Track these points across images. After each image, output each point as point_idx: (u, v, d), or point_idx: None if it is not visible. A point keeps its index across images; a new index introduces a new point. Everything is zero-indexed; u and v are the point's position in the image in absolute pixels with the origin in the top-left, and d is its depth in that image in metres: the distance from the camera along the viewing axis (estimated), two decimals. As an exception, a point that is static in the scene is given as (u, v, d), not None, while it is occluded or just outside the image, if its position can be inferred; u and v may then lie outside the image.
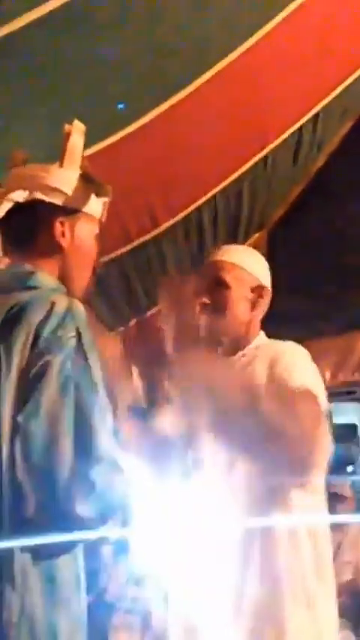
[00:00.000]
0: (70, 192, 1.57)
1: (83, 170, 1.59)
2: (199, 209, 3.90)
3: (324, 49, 3.37)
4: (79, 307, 1.44)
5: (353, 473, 8.92)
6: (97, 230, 1.63)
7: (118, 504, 1.39)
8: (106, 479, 1.34)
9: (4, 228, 1.57)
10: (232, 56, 3.24)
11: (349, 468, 8.34)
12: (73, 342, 1.38)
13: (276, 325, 5.37)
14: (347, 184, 4.21)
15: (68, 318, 1.39)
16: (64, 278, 1.56)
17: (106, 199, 1.64)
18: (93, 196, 1.59)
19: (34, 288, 1.48)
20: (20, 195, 1.56)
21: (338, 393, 9.73)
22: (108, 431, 1.37)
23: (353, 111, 3.94)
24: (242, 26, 3.20)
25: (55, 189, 1.56)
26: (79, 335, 1.39)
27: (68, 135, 1.60)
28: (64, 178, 1.58)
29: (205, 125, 3.43)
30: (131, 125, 3.17)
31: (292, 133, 3.76)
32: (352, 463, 9.91)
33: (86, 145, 1.66)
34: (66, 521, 1.32)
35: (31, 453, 1.32)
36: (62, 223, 1.56)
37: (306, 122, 3.74)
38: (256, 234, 4.50)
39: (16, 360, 1.37)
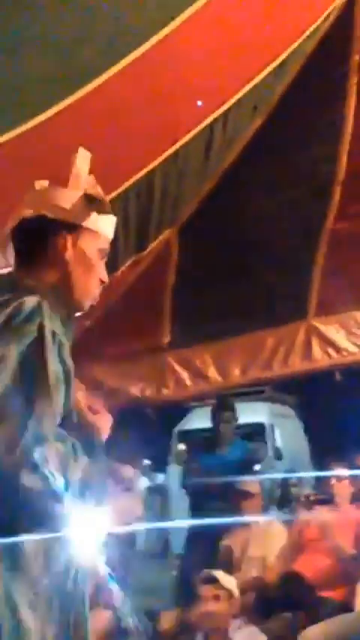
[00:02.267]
0: (69, 207, 1.80)
1: (87, 191, 1.81)
2: (109, 203, 3.84)
3: (236, 44, 3.37)
4: (45, 307, 1.65)
5: (261, 471, 9.05)
6: (104, 246, 1.86)
7: (81, 485, 1.57)
8: (58, 460, 1.54)
9: (17, 242, 1.83)
10: (143, 48, 3.19)
11: (257, 467, 8.45)
12: (33, 335, 1.59)
13: (186, 323, 5.37)
14: (258, 180, 4.24)
15: (35, 315, 1.61)
16: (64, 287, 1.79)
17: (112, 217, 1.88)
18: (94, 214, 1.81)
19: (17, 290, 1.70)
20: (27, 212, 1.81)
21: (247, 392, 9.85)
22: (55, 417, 1.58)
23: (263, 107, 3.95)
24: (154, 17, 3.16)
25: (57, 206, 1.80)
26: (40, 329, 1.60)
27: (74, 161, 1.85)
28: (67, 197, 1.82)
29: (116, 118, 3.38)
30: (40, 115, 3.08)
31: (204, 128, 3.74)
32: (259, 462, 10.04)
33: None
34: (13, 490, 1.50)
35: None
36: (65, 237, 1.80)
37: (217, 117, 3.72)
38: (167, 231, 4.48)
39: None
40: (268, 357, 4.89)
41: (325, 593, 4.09)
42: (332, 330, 4.84)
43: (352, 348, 4.83)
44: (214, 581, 3.71)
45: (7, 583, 1.55)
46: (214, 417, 5.63)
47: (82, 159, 1.87)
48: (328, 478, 4.52)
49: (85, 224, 1.82)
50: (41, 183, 1.91)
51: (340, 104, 4.08)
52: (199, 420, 9.97)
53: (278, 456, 11.95)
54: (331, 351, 4.85)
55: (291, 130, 4.17)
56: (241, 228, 4.47)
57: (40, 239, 1.81)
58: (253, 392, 10.86)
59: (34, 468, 1.52)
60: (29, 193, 1.87)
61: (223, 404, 5.66)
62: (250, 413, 10.20)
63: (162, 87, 3.35)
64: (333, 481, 4.49)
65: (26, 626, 1.55)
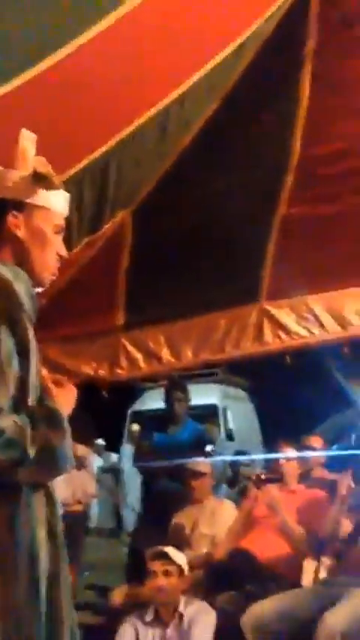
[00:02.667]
0: (15, 186, 1.88)
1: (36, 169, 1.88)
2: (64, 184, 3.82)
3: (193, 26, 3.36)
4: None
5: (212, 453, 9.16)
6: (59, 221, 1.96)
7: (41, 455, 1.63)
8: (17, 430, 1.61)
9: None
10: (102, 26, 3.16)
11: (209, 447, 8.55)
12: None
13: (139, 305, 5.37)
14: (212, 163, 4.25)
15: None
16: (21, 264, 1.87)
17: (64, 194, 1.99)
18: (43, 191, 1.89)
19: None
20: None
21: (200, 374, 9.92)
22: (9, 390, 1.66)
23: (219, 90, 3.96)
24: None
25: (4, 186, 1.88)
26: None
27: (18, 142, 1.93)
28: (14, 177, 1.90)
29: (73, 96, 3.36)
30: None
31: (160, 110, 3.74)
32: (211, 443, 10.14)
33: None
34: None
35: None
36: (15, 216, 1.88)
37: (174, 99, 3.72)
38: (121, 212, 4.48)
39: None
40: (220, 340, 4.94)
41: (273, 570, 4.19)
42: (283, 314, 4.91)
43: (303, 332, 4.91)
44: (164, 556, 3.77)
45: None
46: (168, 396, 5.70)
47: (26, 139, 1.94)
48: (277, 458, 4.62)
49: (34, 201, 1.90)
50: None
51: (295, 89, 4.11)
52: (152, 401, 10.06)
53: (230, 437, 12.11)
54: (282, 334, 4.92)
55: (247, 113, 4.19)
56: (196, 211, 4.48)
57: None
58: (206, 374, 10.99)
59: None
60: None
61: (175, 384, 5.73)
62: (203, 395, 10.33)
63: (119, 66, 3.33)
64: (282, 461, 4.59)
65: None
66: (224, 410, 12.38)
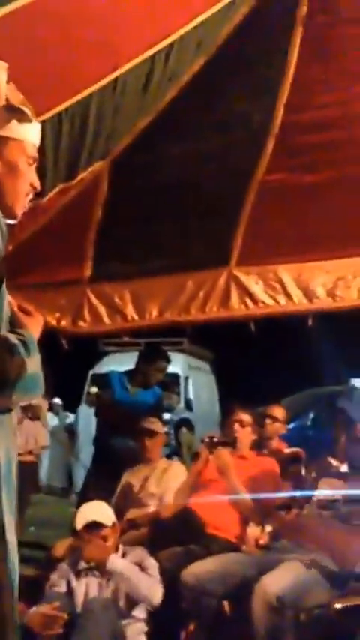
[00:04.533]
0: None
1: (8, 100, 1.83)
2: (41, 129, 3.73)
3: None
4: None
5: (170, 421, 9.15)
6: (31, 153, 1.92)
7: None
8: None
9: None
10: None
11: (167, 416, 8.54)
12: None
13: (108, 259, 5.30)
14: (193, 122, 4.21)
15: None
16: None
17: (37, 124, 1.94)
18: (15, 122, 1.85)
19: None
20: None
21: (165, 342, 9.93)
22: None
23: (208, 45, 3.90)
24: None
25: None
26: None
27: None
28: None
29: (51, 38, 3.27)
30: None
31: (145, 60, 3.66)
32: (169, 411, 10.17)
33: None
34: None
35: None
36: None
37: (160, 50, 3.65)
38: (98, 163, 4.40)
39: None
40: (186, 301, 4.92)
41: (217, 532, 4.21)
42: (251, 281, 4.90)
43: (269, 301, 4.91)
44: (98, 526, 3.72)
45: None
46: (146, 362, 5.58)
47: None
48: (232, 423, 4.62)
49: (5, 134, 1.86)
50: None
51: (283, 54, 4.07)
52: (114, 364, 10.02)
53: (189, 406, 12.17)
54: (248, 301, 4.92)
55: (232, 74, 4.14)
56: (173, 169, 4.44)
57: None
58: (170, 343, 11.00)
59: None
60: None
61: (160, 353, 5.65)
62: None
63: (106, 9, 3.26)
64: (236, 426, 4.60)
65: None
66: (185, 380, 12.44)
